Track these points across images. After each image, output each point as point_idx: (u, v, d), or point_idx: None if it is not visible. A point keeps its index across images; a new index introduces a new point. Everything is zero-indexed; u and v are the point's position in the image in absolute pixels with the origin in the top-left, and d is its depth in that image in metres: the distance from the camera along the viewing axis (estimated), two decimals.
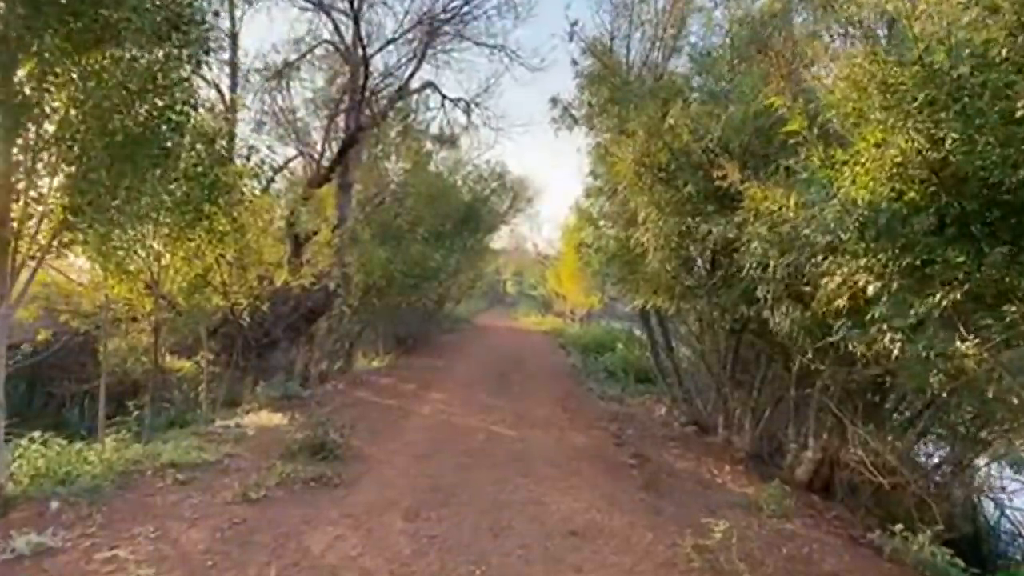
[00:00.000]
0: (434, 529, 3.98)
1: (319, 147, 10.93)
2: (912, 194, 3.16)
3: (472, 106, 14.26)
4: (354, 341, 14.22)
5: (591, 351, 15.06)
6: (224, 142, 6.88)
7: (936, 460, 7.26)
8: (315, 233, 10.62)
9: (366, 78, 9.53)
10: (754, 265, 4.12)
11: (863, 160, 3.21)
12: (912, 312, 3.08)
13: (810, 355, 5.10)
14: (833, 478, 6.46)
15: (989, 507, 7.28)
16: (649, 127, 4.56)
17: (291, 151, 12.87)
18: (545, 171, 54.64)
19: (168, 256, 6.99)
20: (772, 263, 4.03)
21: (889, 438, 5.41)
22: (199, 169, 6.46)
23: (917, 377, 3.75)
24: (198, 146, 6.50)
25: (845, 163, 3.32)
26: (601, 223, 7.78)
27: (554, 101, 7.32)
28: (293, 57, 11.43)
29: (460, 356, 14.99)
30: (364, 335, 17.07)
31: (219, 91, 9.61)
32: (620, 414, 8.40)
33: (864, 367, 4.81)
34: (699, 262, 5.95)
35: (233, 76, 9.45)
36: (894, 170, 3.10)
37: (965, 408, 5.96)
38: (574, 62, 7.41)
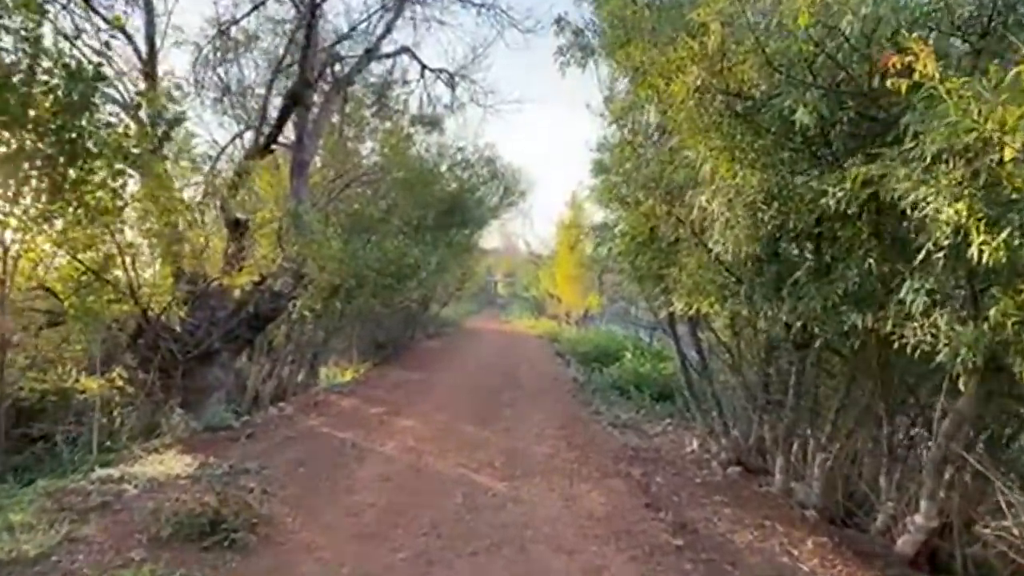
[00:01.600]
0: None
1: (261, 112, 8.94)
2: None
3: (457, 79, 12.37)
4: (319, 351, 12.24)
5: (593, 361, 13.18)
6: (104, 88, 4.93)
7: None
8: (259, 221, 8.68)
9: (314, 17, 7.58)
10: (942, 241, 2.26)
11: None
12: None
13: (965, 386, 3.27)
14: (954, 554, 4.63)
15: None
16: (725, 21, 2.72)
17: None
18: (538, 163, 52.25)
19: (20, 240, 5.01)
20: (977, 239, 2.16)
21: None
22: (59, 122, 4.55)
23: None
24: (58, 85, 4.59)
25: None
26: (627, 196, 5.85)
27: (560, 23, 5.43)
28: (240, 14, 9.47)
29: (444, 366, 13.05)
30: (333, 342, 15.14)
31: (134, 45, 7.63)
32: (641, 450, 6.51)
33: None
34: (784, 244, 4.08)
35: (150, 22, 7.47)
36: None
37: None
38: None
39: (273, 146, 8.95)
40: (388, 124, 13.32)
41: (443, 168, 13.74)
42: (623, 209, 5.90)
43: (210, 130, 20.61)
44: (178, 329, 8.11)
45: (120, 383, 6.97)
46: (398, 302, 15.91)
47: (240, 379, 9.71)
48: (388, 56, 11.02)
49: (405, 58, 11.56)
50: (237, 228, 8.68)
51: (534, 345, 19.20)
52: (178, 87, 7.60)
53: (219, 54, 9.56)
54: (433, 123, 14.16)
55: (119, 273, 6.45)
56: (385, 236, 11.86)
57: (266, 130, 8.36)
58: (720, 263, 4.60)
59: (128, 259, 6.47)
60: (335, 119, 11.29)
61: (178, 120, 6.26)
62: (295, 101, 8.30)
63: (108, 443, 6.75)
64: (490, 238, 27.80)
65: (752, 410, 6.56)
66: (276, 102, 9.06)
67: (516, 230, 27.07)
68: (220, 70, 9.78)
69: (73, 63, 4.54)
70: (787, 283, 3.74)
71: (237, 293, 8.81)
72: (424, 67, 11.78)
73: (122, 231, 6.15)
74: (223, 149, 9.76)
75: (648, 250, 5.40)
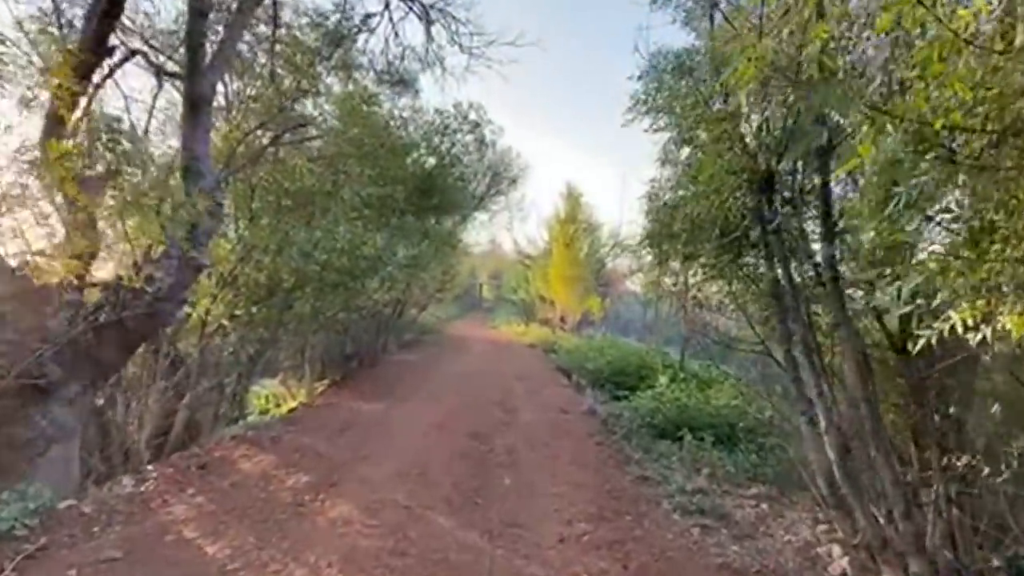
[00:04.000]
0: None
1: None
2: None
3: (434, 14, 9.42)
4: (248, 373, 9.14)
5: (608, 381, 10.27)
6: None
7: None
8: (115, 176, 5.65)
9: None
10: None
11: None
12: None
13: None
14: None
15: None
16: None
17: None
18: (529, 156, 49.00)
19: None
20: None
21: None
22: None
23: None
24: None
25: None
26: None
27: None
28: None
29: (416, 390, 10.02)
30: (280, 357, 12.06)
31: None
32: (744, 569, 3.59)
33: None
34: None
35: None
36: None
37: None
38: None
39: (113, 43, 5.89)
40: (348, 83, 10.29)
41: (415, 135, 10.75)
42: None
43: None
44: None
45: None
46: (360, 306, 12.88)
47: (106, 421, 6.60)
48: None
49: None
50: (86, 191, 5.58)
51: (527, 357, 16.22)
52: None
53: None
54: (403, 82, 11.15)
55: None
56: (336, 220, 8.84)
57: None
58: None
59: None
60: (264, 59, 8.24)
61: None
62: None
63: None
64: (476, 234, 24.75)
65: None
66: None
67: (505, 223, 23.91)
68: None
69: None
70: None
71: (95, 292, 5.78)
72: None
73: None
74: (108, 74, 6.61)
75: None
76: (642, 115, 5.60)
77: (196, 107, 6.18)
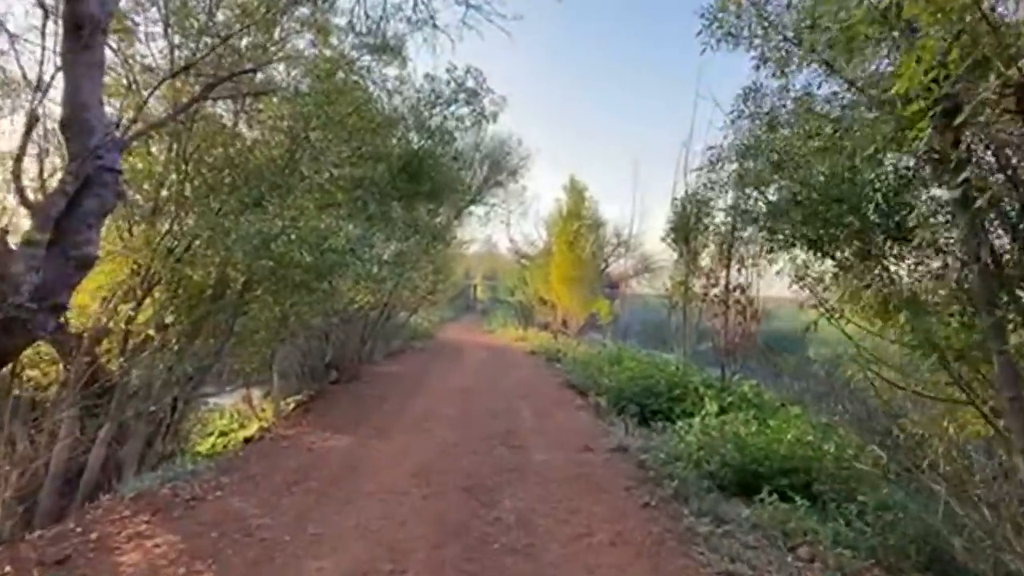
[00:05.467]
0: None
1: None
2: None
3: None
4: (186, 398, 7.25)
5: (631, 402, 8.47)
6: None
7: None
8: None
9: None
10: None
11: None
12: None
13: None
14: None
15: None
16: None
17: None
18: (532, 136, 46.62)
19: None
20: None
21: None
22: None
23: None
24: None
25: None
26: None
27: None
28: None
29: (399, 413, 8.19)
30: (245, 370, 10.20)
31: None
32: None
33: None
34: None
35: None
36: None
37: None
38: None
39: None
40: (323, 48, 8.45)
41: (402, 108, 8.91)
42: None
43: None
44: None
45: None
46: (338, 310, 11.05)
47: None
48: None
49: None
50: None
51: (529, 367, 14.40)
52: None
53: None
54: (387, 49, 9.30)
55: None
56: (298, 204, 7.01)
57: None
58: None
59: None
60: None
61: None
62: None
63: None
64: (472, 230, 22.88)
65: None
66: None
67: (503, 217, 21.96)
68: None
69: None
70: None
71: None
72: None
73: None
74: None
75: None
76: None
77: (79, 33, 4.30)
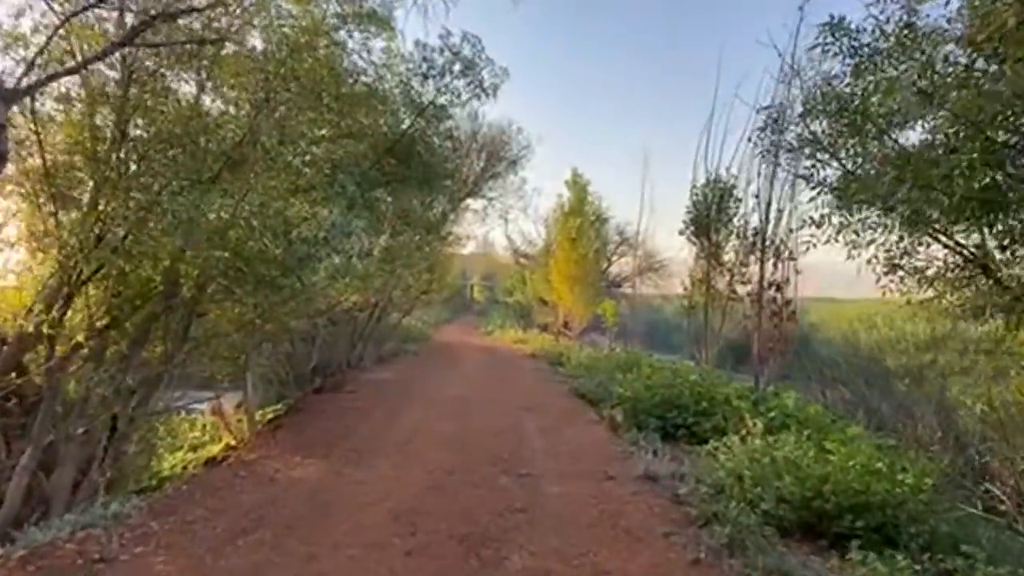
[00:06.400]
0: None
1: None
2: None
3: None
4: (131, 416, 6.09)
5: (652, 414, 7.40)
6: None
7: None
8: None
9: None
10: None
11: None
12: None
13: None
14: None
15: None
16: None
17: None
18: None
19: None
20: None
21: None
22: None
23: None
24: None
25: None
26: None
27: None
28: None
29: (384, 431, 7.09)
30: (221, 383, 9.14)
31: None
32: None
33: None
34: None
35: None
36: None
37: None
38: None
39: None
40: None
41: (390, 81, 7.81)
42: None
43: None
44: None
45: None
46: (322, 310, 9.94)
47: None
48: None
49: None
50: None
51: (531, 372, 13.31)
52: None
53: None
54: (372, 18, 8.18)
55: None
56: (267, 190, 5.89)
57: None
58: None
59: None
60: None
61: None
62: None
63: None
64: (469, 226, 21.72)
65: None
66: None
67: (501, 211, 20.75)
68: None
69: None
70: None
71: None
72: None
73: None
74: None
75: None
76: None
77: None
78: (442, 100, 7.90)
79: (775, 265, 7.33)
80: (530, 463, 5.74)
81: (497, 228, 31.66)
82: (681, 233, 9.62)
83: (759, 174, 7.55)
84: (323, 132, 7.08)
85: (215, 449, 8.32)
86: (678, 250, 16.47)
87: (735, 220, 9.40)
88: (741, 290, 7.54)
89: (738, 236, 9.27)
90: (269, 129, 6.09)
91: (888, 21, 3.35)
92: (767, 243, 7.43)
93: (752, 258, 8.93)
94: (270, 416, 9.65)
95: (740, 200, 9.39)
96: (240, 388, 12.18)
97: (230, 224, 5.18)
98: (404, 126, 8.31)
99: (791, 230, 7.37)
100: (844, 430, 5.92)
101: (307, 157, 6.76)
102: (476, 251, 36.79)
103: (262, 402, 11.29)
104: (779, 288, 7.29)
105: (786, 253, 7.28)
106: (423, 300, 18.75)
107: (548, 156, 55.98)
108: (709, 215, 9.33)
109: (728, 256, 9.43)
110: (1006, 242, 2.85)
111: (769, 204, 7.36)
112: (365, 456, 5.89)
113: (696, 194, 9.50)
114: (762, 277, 7.45)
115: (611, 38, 44.27)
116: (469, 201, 16.52)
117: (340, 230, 5.82)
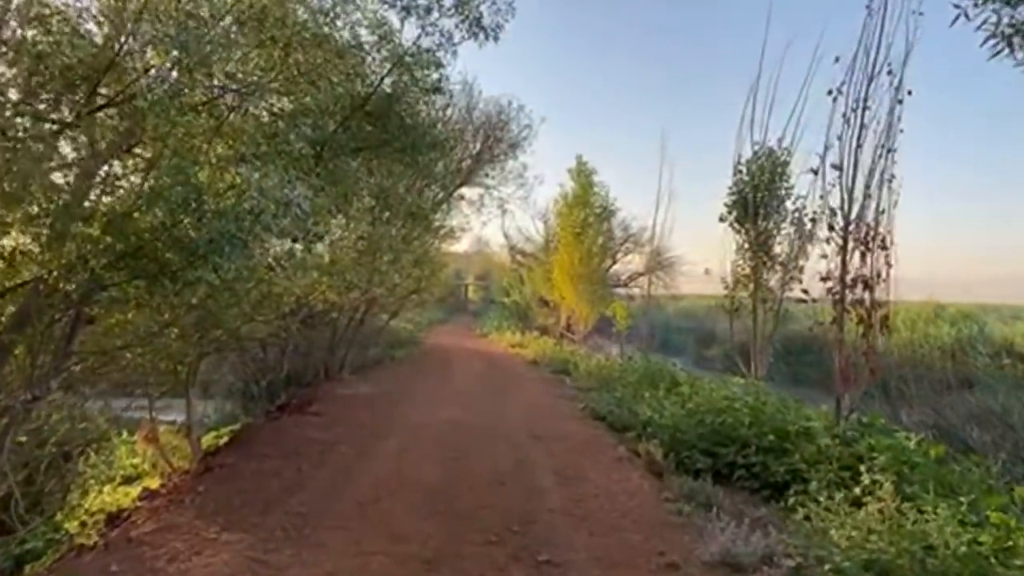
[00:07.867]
0: None
1: None
2: None
3: None
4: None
5: (695, 448, 5.64)
6: None
7: None
8: None
9: None
10: None
11: None
12: None
13: None
14: None
15: None
16: None
17: None
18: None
19: None
20: None
21: None
22: None
23: None
24: None
25: None
26: None
27: None
28: None
29: (346, 477, 5.29)
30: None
31: None
32: None
33: None
34: None
35: None
36: None
37: None
38: None
39: None
40: None
41: (364, 25, 6.01)
42: None
43: None
44: None
45: None
46: (286, 313, 8.13)
47: None
48: None
49: None
50: None
51: (534, 385, 11.54)
52: None
53: None
54: None
55: None
56: (179, 149, 4.08)
57: None
58: None
59: None
60: None
61: None
62: None
63: None
64: (464, 218, 19.81)
65: None
66: None
67: (498, 200, 18.96)
68: None
69: None
70: None
71: None
72: None
73: None
74: None
75: None
76: None
77: None
78: (427, 43, 6.11)
79: (863, 257, 5.59)
80: (549, 537, 3.95)
81: (493, 223, 29.59)
82: (722, 220, 7.90)
83: (839, 138, 5.82)
84: (269, 78, 5.27)
85: (153, 484, 6.50)
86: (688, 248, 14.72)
87: (788, 203, 7.72)
88: (827, 286, 5.80)
89: (793, 223, 7.58)
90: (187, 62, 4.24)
91: None
92: (850, 227, 5.69)
93: (810, 248, 7.28)
94: (222, 440, 7.87)
95: (790, 178, 7.74)
96: (213, 398, 10.41)
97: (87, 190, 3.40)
98: (378, 76, 6.49)
99: (882, 211, 5.64)
100: (994, 488, 4.16)
101: (243, 107, 4.96)
102: (471, 250, 34.98)
103: (224, 420, 9.51)
104: (868, 286, 5.55)
105: (878, 240, 5.54)
106: (413, 300, 16.96)
107: (548, 153, 54.01)
108: (757, 196, 7.63)
109: (780, 247, 7.74)
110: None
111: (855, 176, 5.63)
112: (311, 525, 4.08)
113: (740, 170, 7.79)
114: (843, 272, 5.71)
115: (619, 14, 42.31)
116: (464, 190, 14.68)
117: (274, 200, 4.01)
